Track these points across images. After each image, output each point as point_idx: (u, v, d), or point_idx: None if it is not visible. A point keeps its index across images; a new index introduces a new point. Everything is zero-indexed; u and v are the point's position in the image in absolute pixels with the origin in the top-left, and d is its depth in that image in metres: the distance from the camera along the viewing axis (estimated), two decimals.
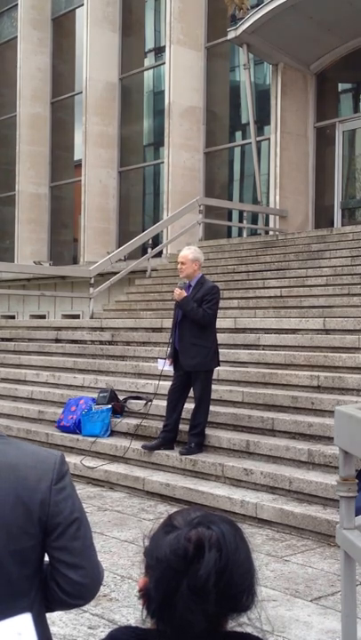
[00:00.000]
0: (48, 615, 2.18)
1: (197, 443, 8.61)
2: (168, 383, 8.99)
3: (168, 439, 8.86)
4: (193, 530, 1.60)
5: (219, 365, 8.96)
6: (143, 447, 8.97)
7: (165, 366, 8.96)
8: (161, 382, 9.27)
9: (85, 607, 4.87)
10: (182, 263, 8.75)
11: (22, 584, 2.05)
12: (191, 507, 1.86)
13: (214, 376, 9.78)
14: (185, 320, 8.58)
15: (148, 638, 1.66)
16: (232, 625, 1.66)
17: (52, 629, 2.25)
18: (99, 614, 5.04)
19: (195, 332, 8.51)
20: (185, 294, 8.54)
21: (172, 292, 9.10)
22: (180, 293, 8.55)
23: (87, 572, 2.10)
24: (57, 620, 4.80)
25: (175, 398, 8.75)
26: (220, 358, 10.24)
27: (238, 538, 1.62)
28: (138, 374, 11.15)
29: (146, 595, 1.62)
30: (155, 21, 23.22)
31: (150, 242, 17.41)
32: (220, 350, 9.79)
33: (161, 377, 9.23)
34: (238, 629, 1.67)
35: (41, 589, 2.12)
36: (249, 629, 1.68)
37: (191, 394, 8.75)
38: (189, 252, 8.83)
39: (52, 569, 2.10)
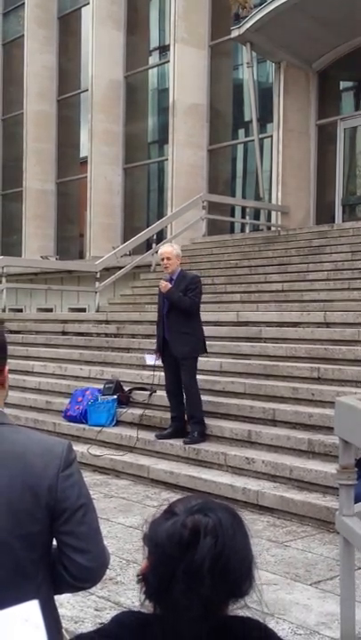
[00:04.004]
0: (56, 597, 2.24)
1: (200, 431, 8.74)
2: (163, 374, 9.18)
3: (180, 428, 9.03)
4: (190, 517, 1.62)
5: (206, 352, 9.14)
6: (157, 437, 9.09)
7: (153, 361, 9.23)
8: (161, 373, 9.39)
9: (92, 590, 4.94)
10: (168, 259, 9.00)
11: (30, 567, 2.10)
12: (194, 494, 1.94)
13: (217, 368, 9.98)
14: (172, 311, 8.84)
15: (150, 622, 1.67)
16: (233, 608, 1.67)
17: (60, 611, 2.32)
18: (105, 597, 5.14)
19: (182, 322, 8.78)
20: (170, 286, 8.81)
21: None
22: (166, 285, 8.82)
23: (93, 556, 2.16)
24: (65, 602, 4.88)
25: (174, 388, 8.98)
26: (223, 351, 10.44)
27: (236, 525, 1.64)
28: (142, 366, 11.04)
29: (144, 579, 1.66)
30: (159, 20, 23.24)
31: (155, 237, 17.51)
32: (223, 342, 9.96)
33: (155, 367, 9.38)
34: (240, 613, 1.69)
35: (48, 573, 2.16)
36: (249, 614, 1.71)
37: None
38: (172, 249, 9.13)
39: (60, 553, 2.15)
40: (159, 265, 17.26)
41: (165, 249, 9.19)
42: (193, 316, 8.86)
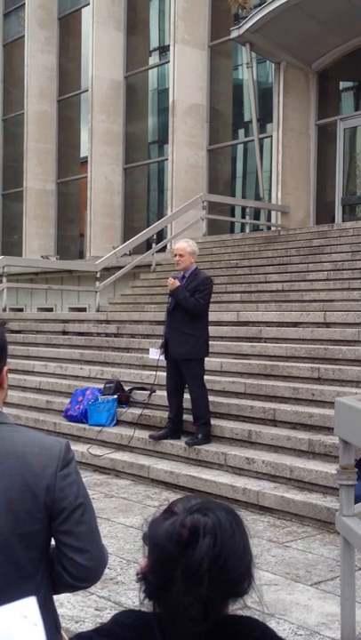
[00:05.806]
0: (56, 597, 2.26)
1: (204, 434, 8.65)
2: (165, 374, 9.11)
3: (173, 429, 8.97)
4: (189, 516, 1.62)
5: (207, 355, 8.92)
6: (150, 437, 9.03)
7: (158, 355, 9.06)
8: (162, 373, 9.33)
9: (92, 590, 4.99)
10: (180, 255, 8.81)
11: (29, 566, 2.12)
12: (194, 494, 1.95)
13: (217, 368, 9.94)
14: (177, 309, 8.65)
15: (149, 621, 1.67)
16: (233, 608, 1.68)
17: (61, 611, 2.28)
18: (105, 597, 5.14)
19: (185, 322, 8.58)
20: (178, 284, 8.64)
21: None
22: (173, 283, 8.65)
23: (92, 556, 2.17)
24: (65, 601, 4.92)
25: (173, 389, 8.87)
26: (223, 351, 10.41)
27: (235, 525, 1.64)
28: (142, 366, 11.21)
29: (144, 578, 1.65)
30: (159, 20, 23.27)
31: (155, 237, 17.55)
32: (223, 342, 9.86)
33: (158, 367, 9.29)
34: (240, 612, 1.69)
35: (48, 572, 2.18)
36: (249, 614, 1.71)
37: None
38: (187, 245, 8.91)
39: (59, 552, 2.16)
40: (159, 265, 17.46)
41: (180, 245, 9.01)
42: (198, 317, 8.68)
